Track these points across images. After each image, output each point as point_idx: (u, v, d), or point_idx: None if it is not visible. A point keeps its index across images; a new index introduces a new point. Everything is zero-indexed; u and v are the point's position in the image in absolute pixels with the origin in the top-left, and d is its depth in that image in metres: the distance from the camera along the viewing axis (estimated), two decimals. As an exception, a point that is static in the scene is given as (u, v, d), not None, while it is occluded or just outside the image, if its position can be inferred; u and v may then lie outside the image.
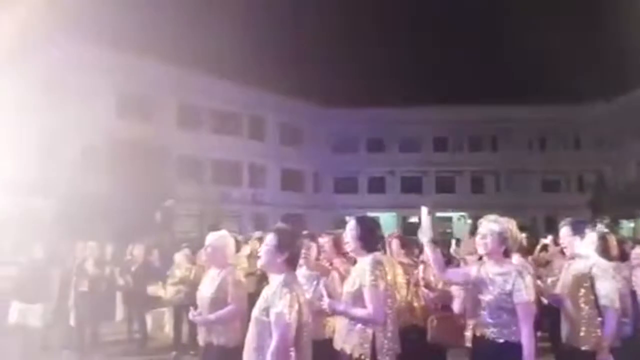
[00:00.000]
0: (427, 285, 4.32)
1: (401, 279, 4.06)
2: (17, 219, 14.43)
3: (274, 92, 27.37)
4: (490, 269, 3.04)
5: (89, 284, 7.05)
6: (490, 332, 2.95)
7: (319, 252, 3.80)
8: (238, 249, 6.45)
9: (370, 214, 3.75)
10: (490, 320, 2.95)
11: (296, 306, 2.49)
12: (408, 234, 5.34)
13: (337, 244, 4.00)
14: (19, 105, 16.13)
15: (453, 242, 7.47)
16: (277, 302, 2.47)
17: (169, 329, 7.91)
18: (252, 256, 7.07)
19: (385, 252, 4.28)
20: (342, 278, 3.51)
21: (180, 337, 7.13)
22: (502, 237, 3.02)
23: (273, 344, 2.43)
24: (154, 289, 7.55)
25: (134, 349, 7.23)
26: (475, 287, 3.09)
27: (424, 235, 3.32)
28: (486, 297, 2.98)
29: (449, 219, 29.94)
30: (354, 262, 3.25)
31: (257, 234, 8.95)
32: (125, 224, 14.66)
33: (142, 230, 13.69)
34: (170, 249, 9.09)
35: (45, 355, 6.39)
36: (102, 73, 20.60)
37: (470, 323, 3.07)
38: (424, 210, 3.37)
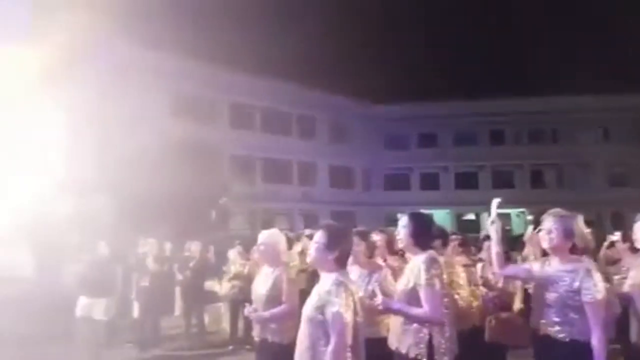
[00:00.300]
0: (486, 285, 4.17)
1: (462, 280, 3.92)
2: (81, 218, 15.26)
3: (323, 91, 27.44)
4: (555, 266, 2.91)
5: (150, 280, 7.33)
6: (555, 331, 2.82)
7: (371, 250, 3.75)
8: (290, 247, 6.50)
9: (424, 211, 3.66)
10: (555, 319, 2.83)
11: (352, 305, 2.46)
12: (463, 232, 5.18)
13: (390, 242, 3.94)
14: (80, 108, 17.01)
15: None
16: (334, 301, 2.43)
17: (225, 323, 8.10)
18: (304, 253, 7.14)
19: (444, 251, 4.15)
20: (395, 276, 3.45)
21: (236, 331, 7.30)
22: (567, 233, 2.88)
23: (331, 344, 2.40)
24: (210, 285, 7.77)
25: (193, 343, 7.44)
26: (539, 285, 2.96)
27: (493, 228, 3.23)
28: (551, 295, 2.86)
29: (507, 216, 28.88)
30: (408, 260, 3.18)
31: (307, 231, 9.01)
32: (182, 221, 15.16)
33: (198, 228, 14.10)
34: (224, 246, 9.32)
35: (109, 348, 6.68)
36: (157, 75, 21.39)
37: (534, 322, 2.93)
38: (495, 202, 3.28)
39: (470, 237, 4.85)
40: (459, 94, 29.07)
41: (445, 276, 3.43)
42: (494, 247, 3.23)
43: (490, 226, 3.26)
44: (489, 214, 3.33)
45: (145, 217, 14.97)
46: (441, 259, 3.57)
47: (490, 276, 4.15)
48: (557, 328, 2.82)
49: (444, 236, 3.93)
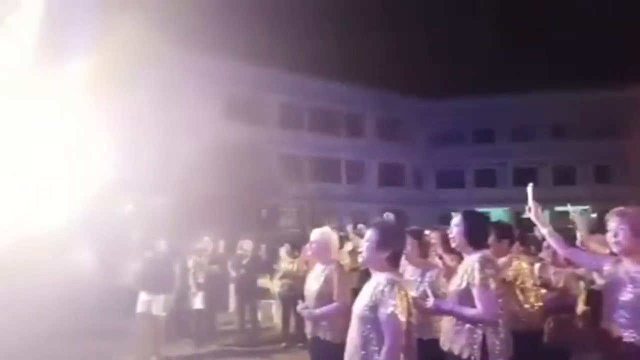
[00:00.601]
0: (545, 285, 4.00)
1: (530, 280, 3.76)
2: (142, 216, 15.94)
3: (371, 88, 27.25)
4: (629, 267, 2.73)
5: (205, 276, 7.54)
6: (628, 334, 2.66)
7: (425, 249, 3.67)
8: (340, 246, 6.50)
9: (480, 210, 3.55)
10: (627, 322, 2.66)
11: (406, 306, 2.43)
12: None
13: (446, 240, 3.85)
14: (141, 114, 17.77)
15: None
16: (387, 302, 2.40)
17: (277, 320, 8.23)
18: (354, 252, 7.12)
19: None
20: (450, 276, 3.37)
21: (288, 328, 7.39)
22: (636, 231, 2.69)
23: (385, 345, 2.37)
24: (263, 282, 7.91)
25: (246, 339, 7.59)
26: (610, 285, 2.80)
27: (533, 215, 3.13)
28: (624, 297, 2.69)
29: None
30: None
31: (360, 226, 8.97)
32: (234, 220, 15.55)
33: (249, 227, 14.40)
34: (275, 244, 9.46)
35: (167, 343, 6.93)
36: (210, 80, 22.05)
37: (604, 325, 2.78)
38: (530, 187, 3.20)
39: (532, 235, 4.66)
40: (516, 86, 27.72)
41: (511, 275, 3.33)
42: (543, 230, 3.12)
43: (529, 213, 3.16)
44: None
45: (200, 217, 15.47)
46: (504, 260, 3.47)
47: (551, 276, 3.97)
48: (630, 331, 2.67)
49: (511, 235, 3.80)
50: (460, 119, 30.17)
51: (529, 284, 3.69)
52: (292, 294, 7.25)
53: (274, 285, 7.96)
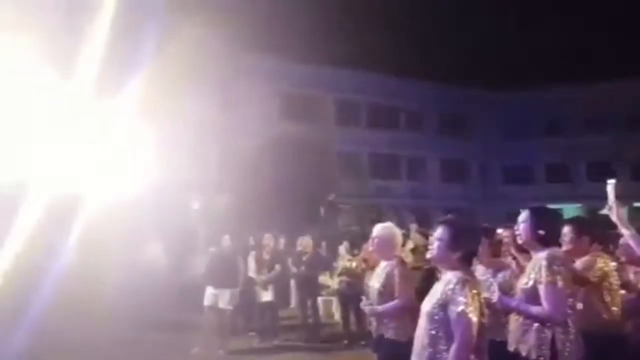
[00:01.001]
0: (625, 286, 3.76)
1: (615, 281, 3.56)
2: (206, 214, 16.55)
3: (431, 81, 26.61)
4: None
5: (267, 272, 7.72)
6: None
7: (497, 248, 3.56)
8: (402, 244, 6.43)
9: (552, 206, 3.38)
10: None
11: (477, 305, 2.37)
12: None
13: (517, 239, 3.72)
14: (201, 113, 18.42)
15: None
16: (458, 300, 2.35)
17: (338, 317, 8.27)
18: (417, 250, 7.02)
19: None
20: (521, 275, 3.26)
21: (348, 325, 7.41)
22: None
23: (455, 344, 2.33)
24: (323, 279, 7.97)
25: (308, 335, 7.69)
26: None
27: (613, 214, 2.98)
28: None
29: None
30: None
31: (413, 226, 8.85)
32: (293, 217, 15.78)
33: (309, 223, 14.55)
34: (334, 241, 9.52)
35: (233, 337, 7.15)
36: (266, 78, 22.49)
37: None
38: (611, 185, 3.05)
39: (609, 233, 4.39)
40: (588, 76, 25.84)
41: (598, 275, 3.19)
42: (625, 232, 2.99)
43: (609, 212, 3.03)
44: (628, 208, 3.02)
45: (260, 214, 15.84)
46: (586, 259, 3.31)
47: (630, 277, 3.74)
48: None
49: (591, 232, 3.60)
50: (528, 112, 28.44)
51: (616, 285, 3.48)
52: (351, 292, 7.29)
53: (334, 282, 8.01)
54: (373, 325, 3.63)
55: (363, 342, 6.74)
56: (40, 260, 4.83)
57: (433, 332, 2.42)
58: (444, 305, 2.39)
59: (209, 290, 6.87)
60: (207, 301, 6.84)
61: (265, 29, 20.89)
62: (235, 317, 7.44)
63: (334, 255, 8.72)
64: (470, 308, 2.32)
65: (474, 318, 2.32)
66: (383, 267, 3.65)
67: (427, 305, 2.50)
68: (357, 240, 7.98)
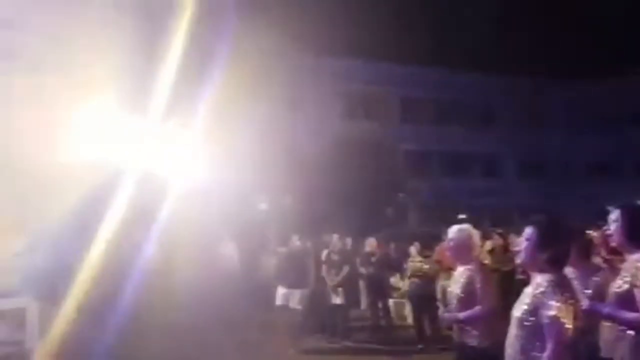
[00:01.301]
0: None
1: None
2: (275, 215, 16.84)
3: (506, 75, 25.42)
4: None
5: (336, 273, 7.69)
6: None
7: (587, 249, 3.30)
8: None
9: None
10: None
11: (571, 309, 2.22)
12: None
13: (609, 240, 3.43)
14: (267, 115, 18.79)
15: None
16: (550, 305, 2.22)
17: (410, 320, 8.09)
18: (495, 252, 6.75)
19: None
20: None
21: (422, 329, 7.22)
22: None
23: (548, 350, 2.21)
24: (394, 280, 7.84)
25: (380, 338, 7.59)
26: None
27: None
28: None
29: None
30: None
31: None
32: (360, 218, 15.69)
33: (376, 224, 14.40)
34: (403, 242, 9.33)
35: (305, 336, 7.18)
36: (329, 78, 22.58)
37: None
38: None
39: None
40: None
41: None
42: None
43: None
44: None
45: (327, 215, 15.89)
46: None
47: None
48: None
49: None
50: (617, 101, 26.34)
51: None
52: (422, 294, 7.15)
53: (404, 284, 7.84)
54: (455, 331, 3.48)
55: (440, 347, 6.52)
56: (128, 256, 5.07)
57: (524, 338, 2.31)
58: (534, 310, 2.27)
59: (280, 290, 6.96)
60: (278, 300, 6.94)
61: (329, 29, 20.98)
62: (306, 316, 7.47)
63: (404, 256, 8.54)
64: (563, 313, 2.20)
65: (567, 323, 2.19)
66: (462, 271, 3.52)
67: (517, 310, 2.39)
68: (428, 241, 7.77)
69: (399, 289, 8.35)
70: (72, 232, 4.56)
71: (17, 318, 5.10)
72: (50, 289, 4.54)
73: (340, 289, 7.56)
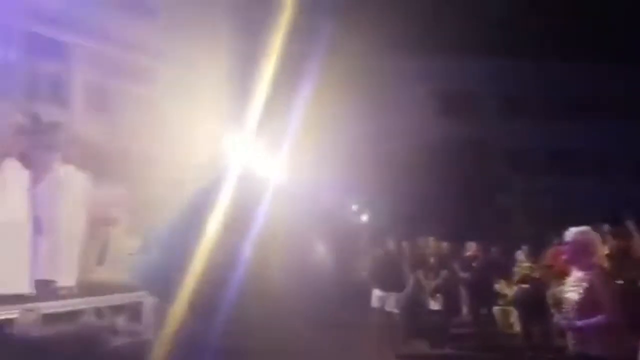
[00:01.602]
0: None
1: None
2: (370, 217, 16.78)
3: (612, 63, 23.14)
4: None
5: (433, 278, 7.45)
6: None
7: None
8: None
9: None
10: None
11: None
12: None
13: None
14: (359, 117, 18.78)
15: None
16: None
17: (517, 328, 7.62)
18: (613, 257, 6.10)
19: None
20: None
21: (531, 337, 6.80)
22: None
23: None
24: (499, 287, 7.45)
25: (484, 345, 7.25)
26: None
27: None
28: None
29: None
30: None
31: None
32: (457, 221, 15.11)
33: (475, 227, 13.80)
34: (506, 245, 8.82)
35: (403, 341, 7.02)
36: (422, 77, 22.11)
37: None
38: None
39: None
40: None
41: None
42: None
43: None
44: None
45: (423, 217, 15.52)
46: None
47: None
48: None
49: None
50: None
51: None
52: (532, 301, 6.74)
53: (511, 290, 7.39)
54: (571, 341, 3.20)
55: (550, 356, 6.09)
56: (231, 254, 5.30)
57: None
58: None
59: (376, 293, 6.90)
60: (375, 303, 6.89)
61: (417, 27, 20.60)
62: (404, 320, 7.31)
63: (508, 260, 8.06)
64: None
65: None
66: (580, 277, 3.23)
67: None
68: (536, 245, 7.28)
69: (505, 295, 7.88)
70: (182, 233, 4.85)
71: (135, 311, 5.52)
72: (163, 285, 4.85)
73: (438, 295, 7.32)
